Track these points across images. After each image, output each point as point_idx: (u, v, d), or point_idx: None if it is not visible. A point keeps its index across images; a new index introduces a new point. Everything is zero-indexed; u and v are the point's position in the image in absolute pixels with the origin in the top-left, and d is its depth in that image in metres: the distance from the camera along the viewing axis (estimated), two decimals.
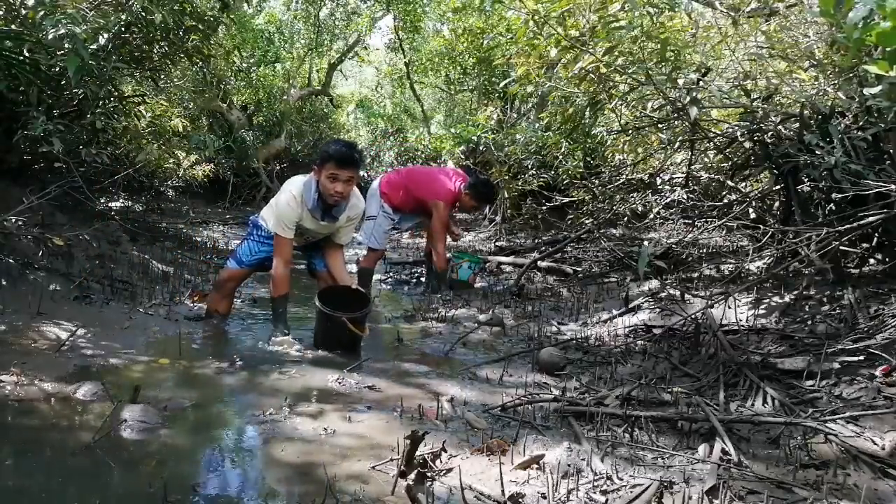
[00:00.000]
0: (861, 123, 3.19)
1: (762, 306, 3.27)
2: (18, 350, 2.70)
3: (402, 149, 13.76)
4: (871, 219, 2.73)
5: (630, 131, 4.95)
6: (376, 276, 5.29)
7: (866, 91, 2.86)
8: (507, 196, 7.92)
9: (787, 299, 3.19)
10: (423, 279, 5.50)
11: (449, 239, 5.36)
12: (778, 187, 3.87)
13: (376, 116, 16.20)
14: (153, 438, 2.03)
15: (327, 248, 3.56)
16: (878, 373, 2.28)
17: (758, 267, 3.70)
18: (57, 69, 3.59)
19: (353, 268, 6.20)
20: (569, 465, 1.84)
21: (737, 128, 3.90)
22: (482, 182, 5.06)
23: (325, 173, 3.14)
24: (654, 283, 4.01)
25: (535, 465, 1.87)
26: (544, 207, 6.98)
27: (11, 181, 4.35)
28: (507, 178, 7.27)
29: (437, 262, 4.92)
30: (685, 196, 4.85)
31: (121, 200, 6.61)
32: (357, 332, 3.14)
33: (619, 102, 4.65)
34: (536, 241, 6.68)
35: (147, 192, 7.49)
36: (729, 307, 3.22)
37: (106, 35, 3.95)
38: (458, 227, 5.64)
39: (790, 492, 1.72)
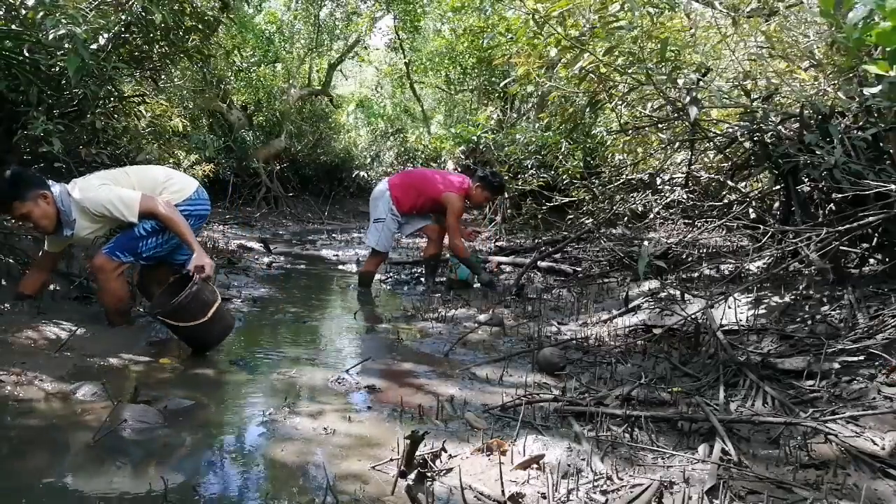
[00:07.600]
0: (861, 123, 3.20)
1: (762, 306, 3.26)
2: (18, 350, 2.71)
3: (403, 149, 13.77)
4: (871, 219, 2.73)
5: (630, 131, 4.96)
6: (376, 276, 5.29)
7: (866, 91, 2.86)
8: (507, 196, 7.92)
9: (787, 299, 3.19)
10: (423, 279, 5.50)
11: (465, 240, 5.39)
12: (778, 187, 3.87)
13: (376, 116, 16.21)
14: (153, 438, 2.03)
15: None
16: (882, 371, 2.28)
17: (758, 267, 3.70)
18: (57, 69, 3.59)
19: (354, 268, 6.23)
20: (569, 465, 1.85)
21: (737, 128, 3.90)
22: (491, 173, 5.09)
23: None
24: (654, 283, 4.01)
25: (535, 465, 1.87)
26: (544, 207, 6.98)
27: None
28: (507, 178, 7.27)
29: (456, 252, 4.91)
30: (685, 196, 4.85)
31: None
32: (195, 322, 2.83)
33: (619, 102, 4.65)
34: (536, 241, 6.67)
35: None
36: (729, 307, 3.22)
37: (106, 35, 3.94)
38: (470, 227, 5.65)
39: (790, 492, 1.72)
